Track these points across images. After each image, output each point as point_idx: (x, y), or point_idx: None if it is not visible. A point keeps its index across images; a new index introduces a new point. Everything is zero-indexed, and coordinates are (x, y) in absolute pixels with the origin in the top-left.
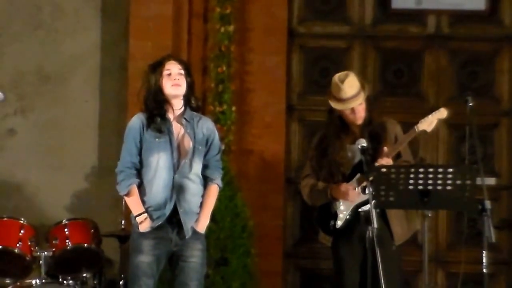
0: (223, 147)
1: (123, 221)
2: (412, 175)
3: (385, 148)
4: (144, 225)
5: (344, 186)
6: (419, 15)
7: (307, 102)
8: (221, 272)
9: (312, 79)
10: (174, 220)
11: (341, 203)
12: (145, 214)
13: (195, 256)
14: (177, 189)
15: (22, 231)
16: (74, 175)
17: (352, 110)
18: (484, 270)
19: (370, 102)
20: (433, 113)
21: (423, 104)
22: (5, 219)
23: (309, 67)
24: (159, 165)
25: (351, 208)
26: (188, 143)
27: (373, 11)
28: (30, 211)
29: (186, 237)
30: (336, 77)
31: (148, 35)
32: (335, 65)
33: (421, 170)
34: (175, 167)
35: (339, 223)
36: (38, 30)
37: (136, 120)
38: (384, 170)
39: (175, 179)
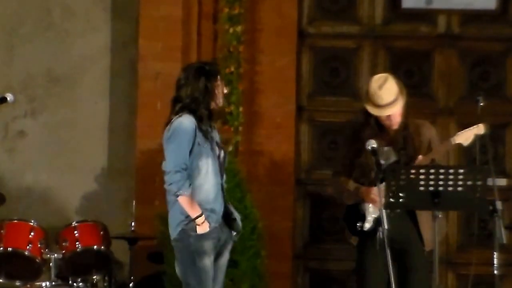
0: (230, 148)
1: (133, 223)
2: (423, 176)
3: (420, 157)
4: (204, 226)
5: (374, 193)
6: (429, 14)
7: (317, 103)
8: (230, 274)
9: (322, 79)
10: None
11: (370, 206)
12: (203, 216)
13: (227, 255)
14: (223, 193)
15: (32, 233)
16: (84, 177)
17: (388, 116)
18: (495, 272)
19: (407, 106)
20: (471, 127)
21: (433, 104)
22: (15, 221)
23: (319, 68)
24: (209, 169)
25: (377, 212)
26: (221, 150)
27: (383, 11)
28: (40, 213)
29: (238, 234)
30: (374, 81)
31: (158, 36)
32: (345, 65)
33: (432, 170)
34: (221, 173)
35: (367, 225)
36: (48, 32)
37: (191, 124)
38: (394, 171)
39: (222, 184)
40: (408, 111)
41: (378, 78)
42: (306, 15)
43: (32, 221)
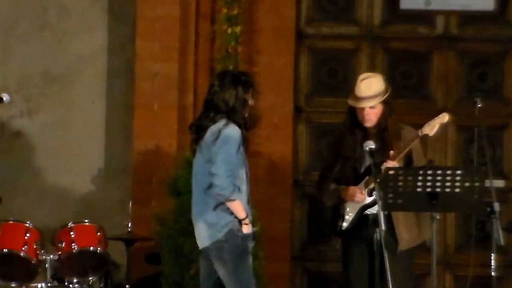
0: None
1: (129, 224)
2: (420, 177)
3: (391, 152)
4: (249, 227)
5: (352, 189)
6: (428, 15)
7: (314, 104)
8: None
9: (320, 80)
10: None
11: (347, 205)
12: (248, 217)
13: None
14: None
15: (27, 235)
16: (81, 177)
17: (362, 110)
18: (493, 273)
19: (390, 109)
20: (436, 117)
21: (431, 105)
22: (11, 222)
23: (317, 68)
24: (244, 178)
25: (356, 210)
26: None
27: (382, 12)
28: (36, 214)
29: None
30: (363, 74)
31: (155, 36)
32: (343, 67)
33: (429, 172)
34: (248, 180)
35: (345, 224)
36: (44, 31)
37: (239, 134)
38: (391, 172)
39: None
40: (389, 114)
41: (366, 74)
42: (304, 16)
43: (28, 222)
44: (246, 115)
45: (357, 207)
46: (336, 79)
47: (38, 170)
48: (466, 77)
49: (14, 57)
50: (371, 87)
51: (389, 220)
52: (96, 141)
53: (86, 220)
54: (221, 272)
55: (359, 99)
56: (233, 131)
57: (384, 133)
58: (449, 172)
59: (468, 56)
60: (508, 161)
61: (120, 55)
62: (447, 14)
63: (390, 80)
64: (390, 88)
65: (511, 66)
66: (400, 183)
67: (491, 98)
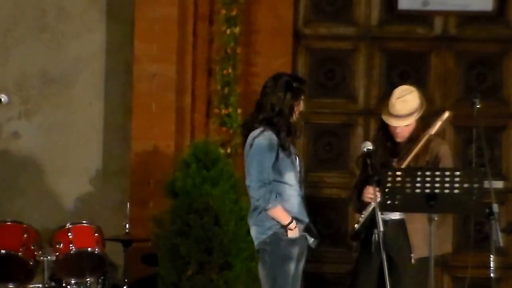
0: (229, 150)
1: (127, 225)
2: (418, 178)
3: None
4: (295, 231)
5: (366, 187)
6: (426, 16)
7: (312, 105)
8: (224, 276)
9: (317, 81)
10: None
11: (365, 209)
12: (294, 222)
13: (304, 260)
14: (304, 204)
15: (25, 235)
16: (78, 179)
17: (395, 127)
18: (492, 275)
19: (423, 124)
20: (439, 118)
21: (429, 106)
22: (9, 223)
23: (314, 69)
24: (292, 182)
25: (368, 213)
26: (298, 162)
27: (379, 12)
28: (33, 215)
29: (316, 241)
30: (398, 90)
31: (153, 37)
32: (341, 67)
33: (427, 173)
34: (301, 184)
35: (356, 226)
36: (43, 33)
37: (273, 141)
38: (390, 173)
39: (303, 195)
40: (422, 129)
41: (402, 89)
42: (302, 16)
43: (26, 223)
44: (292, 121)
45: (370, 208)
46: (334, 79)
47: (36, 171)
48: (464, 77)
49: (13, 58)
50: (406, 105)
51: (403, 227)
52: (94, 142)
53: (84, 221)
54: (260, 273)
55: (393, 117)
56: (263, 140)
57: (410, 144)
58: (447, 173)
59: (466, 57)
60: (507, 162)
61: (118, 57)
62: (445, 14)
63: (387, 80)
64: (425, 103)
65: (509, 66)
66: (398, 184)
67: (489, 99)
